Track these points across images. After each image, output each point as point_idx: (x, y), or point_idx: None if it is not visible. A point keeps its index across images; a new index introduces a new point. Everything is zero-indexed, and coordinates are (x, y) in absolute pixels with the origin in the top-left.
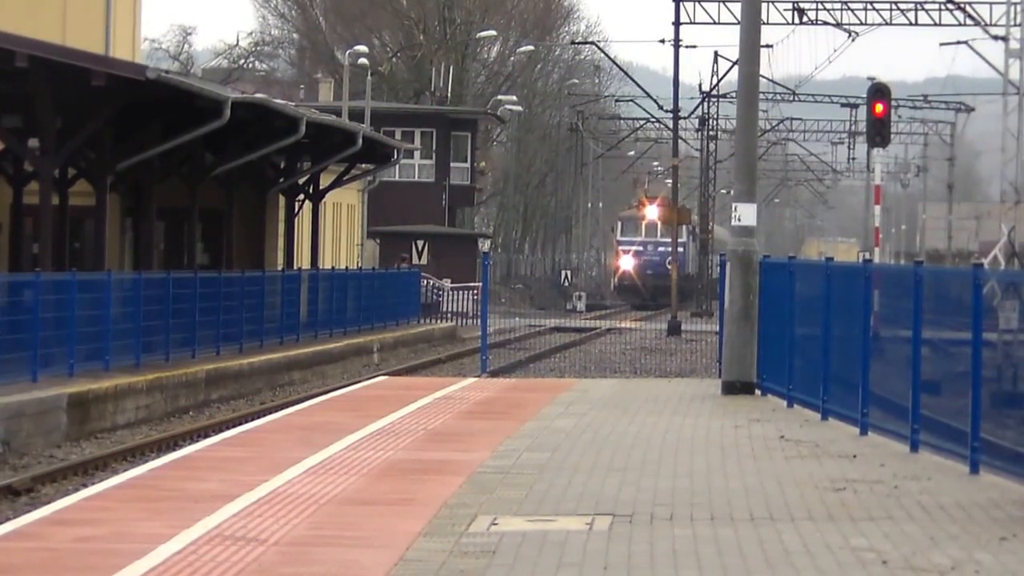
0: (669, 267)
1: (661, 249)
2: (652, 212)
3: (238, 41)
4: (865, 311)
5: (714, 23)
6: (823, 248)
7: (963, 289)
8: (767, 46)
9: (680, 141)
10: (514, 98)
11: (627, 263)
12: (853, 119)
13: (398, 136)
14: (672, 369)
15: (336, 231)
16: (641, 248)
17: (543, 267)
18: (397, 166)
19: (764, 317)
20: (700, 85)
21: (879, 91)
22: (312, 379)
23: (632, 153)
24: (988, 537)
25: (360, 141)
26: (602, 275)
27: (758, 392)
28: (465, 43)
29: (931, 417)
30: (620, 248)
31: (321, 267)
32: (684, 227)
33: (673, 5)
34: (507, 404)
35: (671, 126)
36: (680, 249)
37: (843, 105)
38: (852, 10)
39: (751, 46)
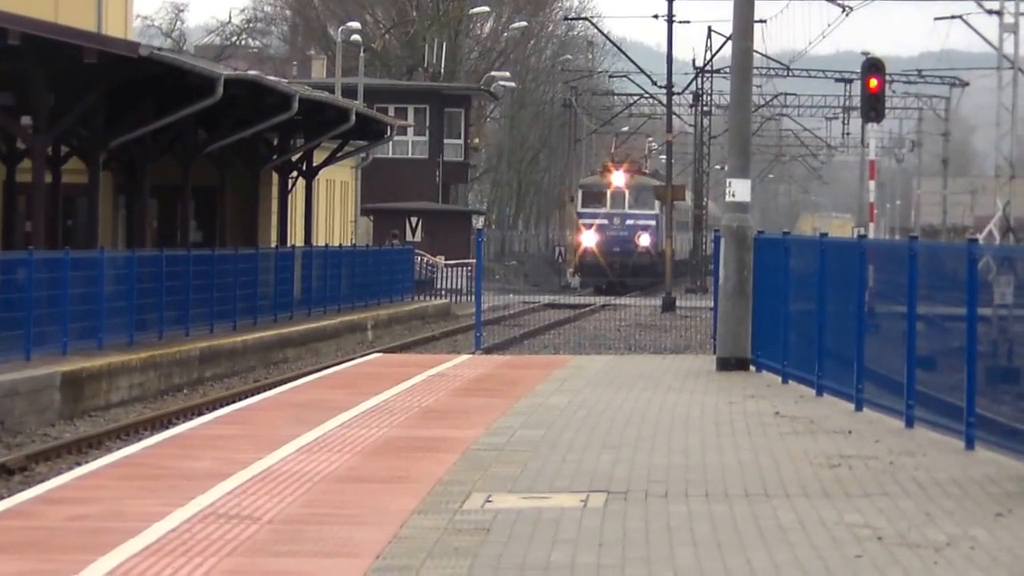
0: (640, 244)
1: (630, 223)
2: (618, 179)
3: (230, 18)
4: (860, 287)
5: None
6: (818, 224)
7: (958, 264)
8: (761, 21)
9: (674, 117)
10: (507, 74)
11: (589, 239)
12: (847, 94)
13: (391, 113)
14: (667, 346)
15: (329, 208)
16: (606, 221)
17: (537, 243)
18: (390, 143)
19: (759, 293)
20: (694, 60)
21: (873, 66)
22: (306, 356)
23: (626, 129)
24: (984, 513)
25: (353, 118)
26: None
27: (753, 368)
28: (458, 19)
29: (926, 393)
30: (581, 222)
31: (315, 244)
32: (658, 200)
33: None
34: (501, 381)
35: (665, 102)
36: (653, 223)
37: (837, 80)
38: None
39: (745, 21)
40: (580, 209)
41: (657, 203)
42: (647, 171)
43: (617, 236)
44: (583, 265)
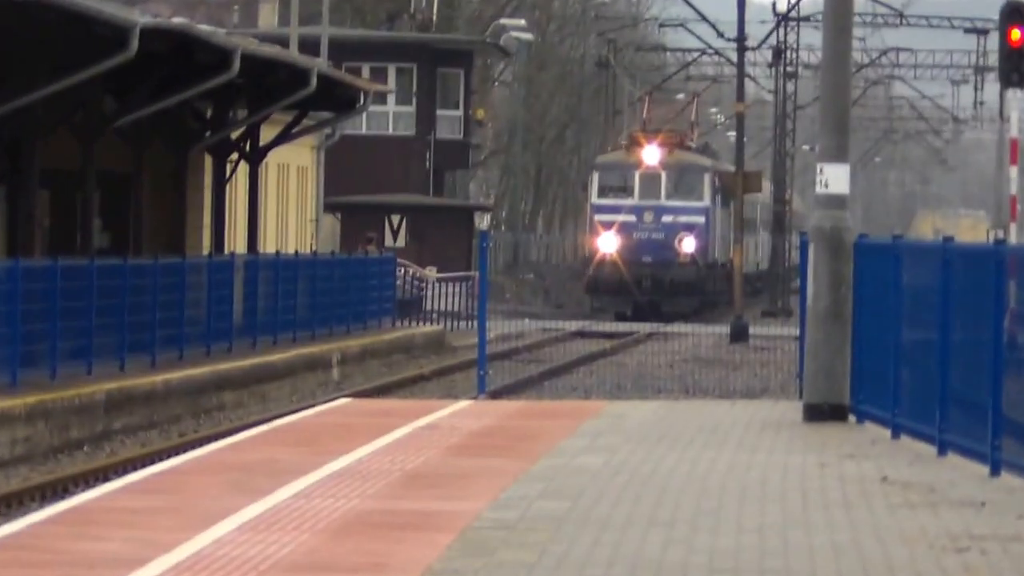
0: (682, 251)
1: (667, 220)
2: (651, 155)
3: None
4: (997, 309)
5: None
6: (940, 224)
7: None
8: None
9: (747, 80)
10: (523, 23)
11: (608, 244)
12: (981, 50)
13: (365, 74)
14: (737, 388)
15: (282, 202)
16: (633, 218)
17: (562, 250)
18: (364, 114)
19: (860, 317)
20: (774, 5)
21: (1017, 12)
22: (249, 402)
23: (681, 96)
24: None
25: (314, 81)
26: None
27: (852, 418)
28: None
29: None
30: (597, 219)
31: (262, 251)
32: (707, 183)
33: None
34: (513, 435)
35: (735, 60)
36: (701, 220)
37: (967, 31)
38: None
39: None
40: (596, 200)
41: (708, 191)
42: (693, 143)
43: (649, 239)
44: (599, 281)
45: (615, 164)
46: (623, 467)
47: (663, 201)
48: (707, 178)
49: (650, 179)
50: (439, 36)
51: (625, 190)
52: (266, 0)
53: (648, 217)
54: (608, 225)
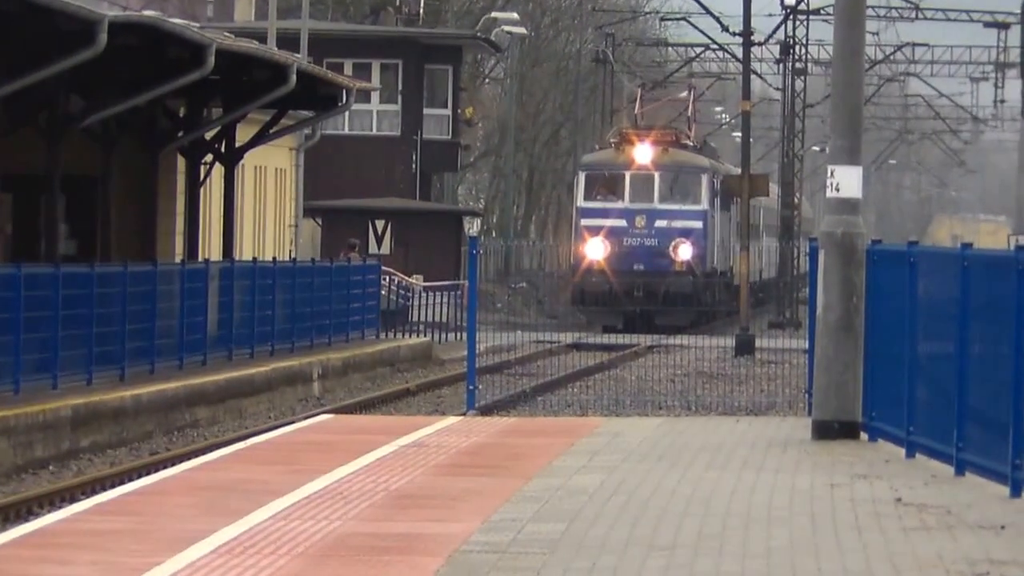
0: (678, 258)
1: (661, 225)
2: (643, 154)
3: None
4: (1019, 320)
5: None
6: (958, 229)
7: None
8: None
9: (753, 77)
10: (515, 16)
11: (596, 250)
12: (1002, 45)
13: (348, 71)
14: (742, 404)
15: (260, 206)
16: (623, 223)
17: (556, 257)
18: (347, 114)
19: (873, 329)
20: None
21: None
22: (225, 418)
23: (684, 95)
24: None
25: (293, 78)
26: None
27: (864, 436)
28: None
29: None
30: (583, 225)
31: (238, 258)
32: (705, 185)
33: None
34: (504, 454)
35: (740, 56)
36: (699, 225)
37: (987, 25)
38: None
39: None
40: (582, 203)
41: (706, 193)
42: (691, 141)
43: (641, 246)
44: (586, 291)
45: (603, 164)
46: (621, 487)
47: (656, 204)
48: (705, 179)
49: (642, 180)
50: (426, 31)
51: (615, 192)
52: None
53: (640, 222)
54: (595, 230)
